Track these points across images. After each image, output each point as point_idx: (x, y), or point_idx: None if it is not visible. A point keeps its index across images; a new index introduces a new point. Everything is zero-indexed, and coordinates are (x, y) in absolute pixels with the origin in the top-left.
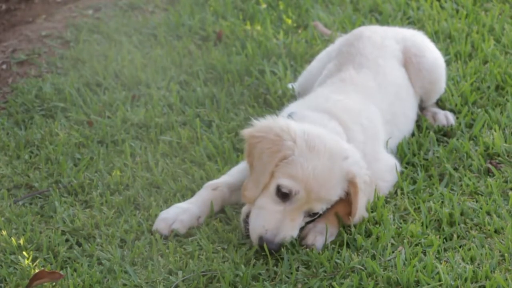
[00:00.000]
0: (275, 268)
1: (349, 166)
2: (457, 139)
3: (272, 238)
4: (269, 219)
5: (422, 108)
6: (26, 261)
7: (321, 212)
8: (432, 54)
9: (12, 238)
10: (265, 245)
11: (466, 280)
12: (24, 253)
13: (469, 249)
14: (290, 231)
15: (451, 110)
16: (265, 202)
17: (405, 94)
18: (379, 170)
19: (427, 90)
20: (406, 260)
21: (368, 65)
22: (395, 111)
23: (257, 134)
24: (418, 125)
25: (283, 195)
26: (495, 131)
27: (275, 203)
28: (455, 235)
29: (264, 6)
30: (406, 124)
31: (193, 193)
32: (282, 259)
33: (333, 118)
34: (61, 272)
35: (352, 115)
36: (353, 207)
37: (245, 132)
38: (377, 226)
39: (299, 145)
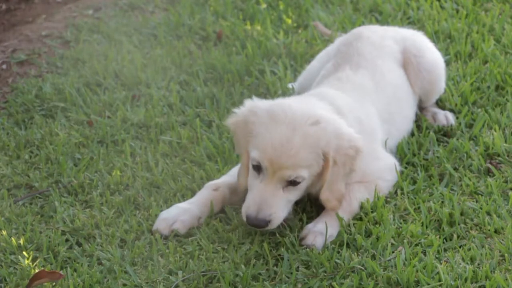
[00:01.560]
0: (275, 268)
1: (317, 131)
2: (457, 139)
3: (254, 215)
4: (251, 197)
5: (422, 108)
6: (26, 261)
7: (297, 179)
8: (432, 55)
9: (12, 238)
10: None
11: (466, 280)
12: (24, 253)
13: (469, 249)
14: (274, 207)
15: (451, 110)
16: (250, 180)
17: (403, 95)
18: (378, 170)
19: (427, 90)
20: (406, 260)
21: (365, 65)
22: (392, 111)
23: (233, 121)
24: (418, 125)
25: (257, 168)
26: (495, 131)
27: (255, 178)
28: (455, 235)
29: (264, 6)
30: (404, 124)
31: (193, 193)
32: (282, 259)
33: (324, 100)
34: (61, 272)
35: (348, 106)
36: (322, 180)
37: (227, 123)
38: (377, 226)
39: (261, 117)
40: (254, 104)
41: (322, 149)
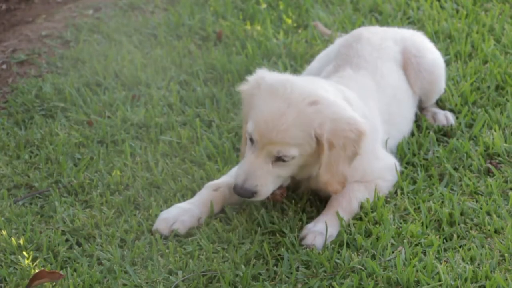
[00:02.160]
0: (275, 268)
1: (312, 111)
2: (457, 139)
3: (240, 184)
4: (241, 166)
5: (422, 108)
6: (26, 261)
7: (285, 156)
8: (432, 55)
9: (12, 238)
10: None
11: (466, 280)
12: (24, 253)
13: (469, 249)
14: (260, 180)
15: (451, 110)
16: (246, 150)
17: (403, 95)
18: (378, 169)
19: (427, 90)
20: (406, 260)
21: (365, 66)
22: (392, 112)
23: (242, 90)
24: (418, 125)
25: (251, 140)
26: (495, 131)
27: (249, 149)
28: (455, 235)
29: (264, 6)
30: (404, 124)
31: (193, 193)
32: (282, 259)
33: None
34: (61, 272)
35: (354, 100)
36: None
37: (240, 90)
38: (377, 226)
39: (262, 90)
40: (261, 76)
41: (314, 130)
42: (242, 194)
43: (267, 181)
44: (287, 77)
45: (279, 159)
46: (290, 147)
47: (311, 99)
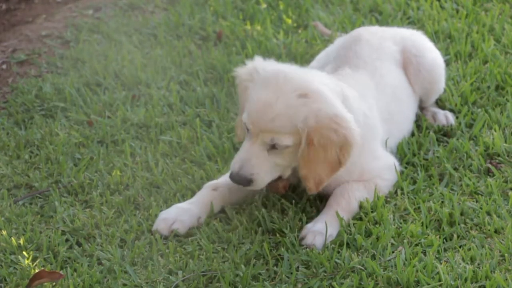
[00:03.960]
0: (275, 268)
1: (299, 104)
2: (457, 139)
3: (236, 171)
4: (238, 154)
5: (422, 108)
6: (26, 261)
7: (278, 145)
8: (432, 54)
9: (12, 238)
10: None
11: (466, 280)
12: (24, 253)
13: (469, 249)
14: (257, 168)
15: (451, 110)
16: (244, 140)
17: (403, 95)
18: (377, 168)
19: (427, 90)
20: (406, 260)
21: (364, 66)
22: (392, 111)
23: (237, 80)
24: (418, 125)
25: (246, 129)
26: (495, 131)
27: (245, 138)
28: (455, 235)
29: (264, 6)
30: (404, 124)
31: (193, 193)
32: (282, 259)
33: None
34: (61, 272)
35: (350, 97)
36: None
37: (235, 74)
38: (377, 226)
39: (256, 80)
40: (254, 67)
41: (298, 123)
42: (238, 181)
43: (263, 169)
44: (281, 68)
45: (274, 147)
46: (283, 136)
47: (301, 92)
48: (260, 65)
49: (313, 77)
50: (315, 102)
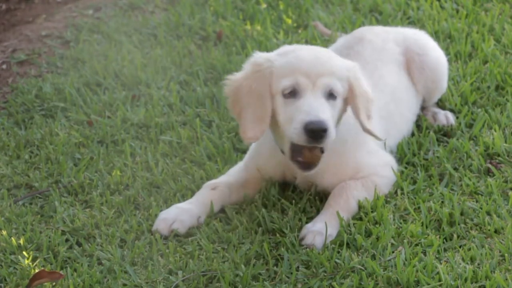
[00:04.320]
0: (275, 268)
1: (336, 59)
2: (457, 139)
3: (315, 119)
4: (300, 111)
5: (422, 108)
6: (26, 261)
7: (334, 90)
8: (435, 53)
9: (12, 238)
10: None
11: (466, 280)
12: (24, 253)
13: (469, 249)
14: (325, 112)
15: (451, 110)
16: (286, 112)
17: (403, 96)
18: (372, 164)
19: (430, 89)
20: (406, 260)
21: (365, 66)
22: (391, 110)
23: (237, 79)
24: (418, 125)
25: (292, 95)
26: (495, 131)
27: (293, 104)
28: (455, 235)
29: (264, 6)
30: (403, 124)
31: (193, 193)
32: (282, 259)
33: None
34: (61, 272)
35: None
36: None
37: (226, 87)
38: (377, 226)
39: (274, 59)
40: (258, 55)
41: (345, 70)
42: (317, 130)
43: (330, 118)
44: (292, 47)
45: (330, 97)
46: (337, 80)
47: (329, 53)
48: (261, 54)
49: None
50: (342, 60)
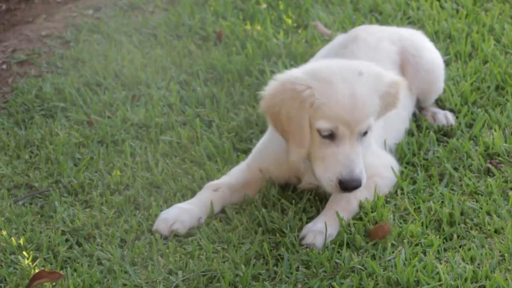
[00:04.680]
0: (275, 268)
1: (367, 78)
2: (457, 139)
3: (350, 176)
4: (336, 161)
5: (421, 108)
6: (26, 261)
7: (369, 128)
8: (430, 54)
9: (12, 238)
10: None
11: (466, 280)
12: (24, 253)
13: (469, 249)
14: (360, 164)
15: (451, 110)
16: (321, 151)
17: None
18: (375, 165)
19: (425, 90)
20: (406, 260)
21: None
22: None
23: (273, 101)
24: (418, 125)
25: (329, 137)
26: (495, 131)
27: (329, 146)
28: (455, 235)
29: (264, 6)
30: (398, 123)
31: (193, 193)
32: (282, 259)
33: None
34: (61, 272)
35: None
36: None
37: (262, 105)
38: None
39: (315, 87)
40: (294, 76)
41: (378, 92)
42: (356, 185)
43: (362, 163)
44: (317, 64)
45: (363, 135)
46: (371, 117)
47: (357, 69)
48: (292, 73)
49: (347, 60)
50: (370, 69)
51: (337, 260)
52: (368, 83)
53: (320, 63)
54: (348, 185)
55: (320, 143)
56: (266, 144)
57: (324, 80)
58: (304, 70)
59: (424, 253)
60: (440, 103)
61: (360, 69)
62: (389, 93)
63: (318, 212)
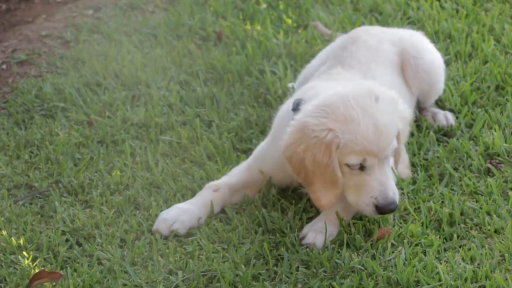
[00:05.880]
0: (275, 268)
1: (382, 109)
2: (457, 139)
3: (386, 201)
4: (370, 188)
5: (421, 108)
6: (26, 261)
7: (392, 151)
8: (430, 56)
9: (12, 238)
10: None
11: (466, 280)
12: (24, 253)
13: (469, 249)
14: (392, 185)
15: (451, 110)
16: (353, 179)
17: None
18: None
19: (425, 91)
20: (406, 260)
21: (359, 67)
22: None
23: (297, 149)
24: (418, 125)
25: (359, 167)
26: (495, 131)
27: (359, 175)
28: (455, 235)
29: (264, 6)
30: None
31: (193, 193)
32: (282, 259)
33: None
34: (61, 272)
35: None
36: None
37: (285, 154)
38: (377, 226)
39: (336, 127)
40: (311, 122)
41: (397, 114)
42: (393, 208)
43: (393, 182)
44: (329, 99)
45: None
46: (394, 140)
47: (373, 94)
48: (305, 118)
49: (359, 84)
50: (385, 94)
51: (337, 260)
52: (386, 108)
53: (328, 95)
54: (385, 210)
55: (350, 174)
56: (268, 148)
57: (343, 117)
58: (316, 109)
59: (424, 253)
60: (440, 103)
61: (374, 93)
62: (404, 119)
63: (318, 212)
